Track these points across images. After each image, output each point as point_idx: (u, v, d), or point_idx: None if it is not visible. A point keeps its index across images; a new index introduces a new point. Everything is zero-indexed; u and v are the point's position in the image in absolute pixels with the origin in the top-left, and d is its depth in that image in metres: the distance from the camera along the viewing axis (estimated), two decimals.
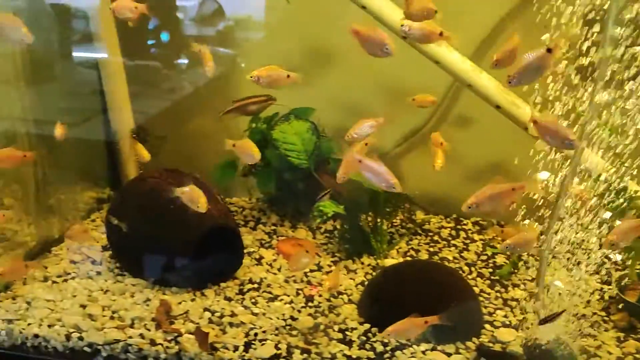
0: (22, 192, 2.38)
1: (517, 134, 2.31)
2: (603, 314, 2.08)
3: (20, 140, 2.26)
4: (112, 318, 2.06)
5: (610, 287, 2.07)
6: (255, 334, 1.99)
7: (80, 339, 1.96)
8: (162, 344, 1.94)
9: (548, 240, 1.79)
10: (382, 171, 1.69)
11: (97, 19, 2.47)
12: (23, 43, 1.68)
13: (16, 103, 2.24)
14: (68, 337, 1.97)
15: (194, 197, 1.88)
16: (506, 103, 2.35)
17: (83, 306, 2.11)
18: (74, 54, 2.70)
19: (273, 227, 2.66)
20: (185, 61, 2.91)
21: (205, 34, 2.84)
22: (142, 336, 1.97)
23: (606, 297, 2.08)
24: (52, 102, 2.50)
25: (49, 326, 2.01)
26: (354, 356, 1.88)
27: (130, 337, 1.96)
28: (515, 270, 2.30)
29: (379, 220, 2.45)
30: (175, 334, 1.97)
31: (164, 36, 2.88)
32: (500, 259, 2.42)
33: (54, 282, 2.24)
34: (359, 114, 2.71)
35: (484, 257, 2.44)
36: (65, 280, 2.25)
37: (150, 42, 2.84)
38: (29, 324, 2.03)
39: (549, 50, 1.47)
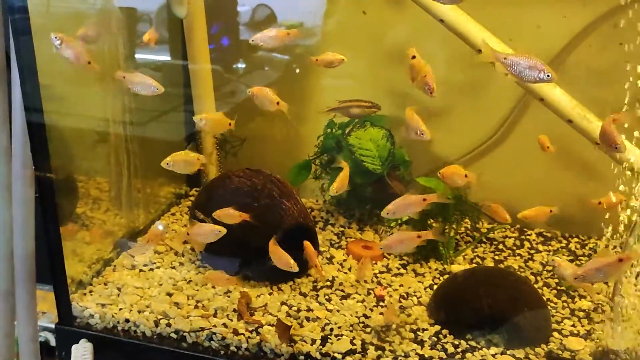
0: (110, 185, 2.56)
1: (584, 146, 2.36)
2: None
3: (117, 138, 2.44)
4: (196, 307, 2.20)
5: None
6: (331, 329, 2.09)
7: (168, 325, 2.11)
8: (244, 334, 2.06)
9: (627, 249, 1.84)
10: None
11: (187, 24, 2.62)
12: (155, 93, 1.96)
13: (115, 103, 2.42)
14: (157, 323, 2.12)
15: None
16: (578, 117, 2.39)
17: (169, 294, 2.25)
18: (153, 57, 2.88)
19: (341, 229, 2.76)
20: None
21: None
22: (225, 325, 2.10)
23: None
24: (139, 103, 2.67)
25: (139, 312, 2.17)
26: (426, 355, 1.97)
27: (214, 326, 2.09)
28: None
29: (446, 227, 2.53)
30: (257, 325, 2.10)
31: (225, 41, 3.02)
32: None
33: (141, 270, 2.40)
34: (429, 123, 2.83)
35: (550, 268, 2.49)
36: (152, 270, 2.40)
37: (224, 44, 2.99)
38: (120, 309, 2.18)
39: (620, 260, 1.58)
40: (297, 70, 3.00)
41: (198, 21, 2.61)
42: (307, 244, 2.16)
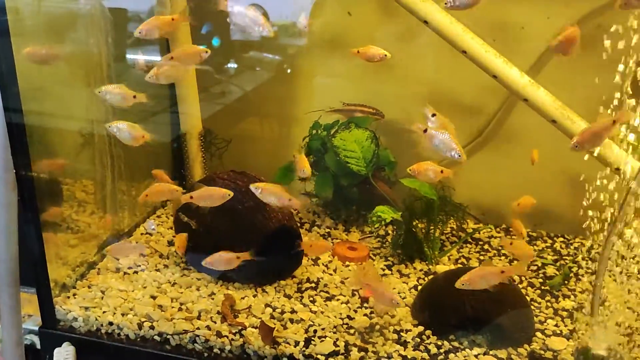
0: (95, 187, 2.55)
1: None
2: None
3: (101, 140, 2.43)
4: (180, 309, 2.19)
5: None
6: (315, 331, 2.09)
7: (152, 327, 2.10)
8: (227, 336, 2.06)
9: (607, 250, 1.85)
10: (448, 140, 1.75)
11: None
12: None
13: (97, 105, 2.41)
14: (140, 325, 2.12)
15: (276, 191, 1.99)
16: (562, 118, 2.40)
17: (153, 297, 2.25)
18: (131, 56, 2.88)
19: (327, 230, 2.76)
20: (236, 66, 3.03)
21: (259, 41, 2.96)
22: (208, 328, 2.10)
23: None
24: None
25: (123, 314, 2.16)
26: (409, 356, 1.97)
27: (197, 329, 2.09)
28: (566, 282, 2.36)
29: (431, 227, 2.53)
30: (240, 327, 2.09)
31: (215, 41, 3.01)
32: (550, 270, 2.48)
33: (125, 273, 2.39)
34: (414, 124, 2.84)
35: (534, 267, 2.50)
36: (136, 272, 2.39)
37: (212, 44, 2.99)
38: (103, 312, 2.18)
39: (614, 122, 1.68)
40: (279, 70, 3.00)
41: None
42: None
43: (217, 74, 2.99)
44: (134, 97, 1.98)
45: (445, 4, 1.88)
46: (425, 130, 1.71)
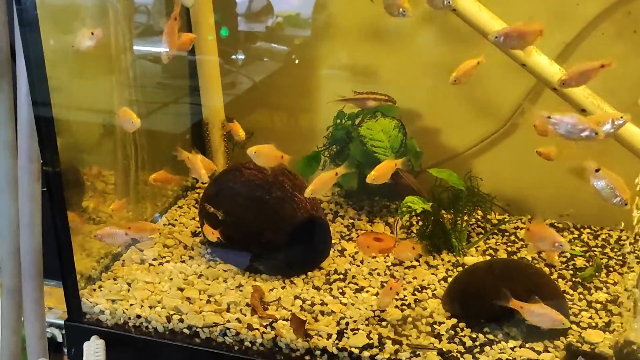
0: (117, 177, 2.51)
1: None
2: None
3: (123, 131, 2.38)
4: (208, 302, 2.16)
5: None
6: (347, 323, 2.06)
7: (181, 320, 2.07)
8: (258, 329, 2.03)
9: None
10: (617, 184, 1.66)
11: (194, 13, 2.57)
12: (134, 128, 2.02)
13: (120, 95, 2.37)
14: (169, 318, 2.08)
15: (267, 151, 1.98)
16: (592, 107, 2.36)
17: (180, 289, 2.21)
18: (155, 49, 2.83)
19: (351, 221, 2.73)
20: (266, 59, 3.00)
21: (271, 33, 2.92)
22: (238, 320, 2.06)
23: None
24: (145, 95, 2.62)
25: (150, 307, 2.13)
26: (444, 349, 1.95)
27: (227, 321, 2.06)
28: (597, 274, 2.33)
29: (459, 218, 2.50)
30: (271, 320, 2.06)
31: (224, 32, 2.97)
32: (580, 262, 2.45)
33: (150, 264, 2.36)
34: (438, 114, 2.81)
35: (563, 259, 2.47)
36: (161, 264, 2.36)
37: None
38: (131, 305, 2.14)
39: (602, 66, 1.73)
40: (297, 61, 2.96)
41: (205, 10, 2.55)
42: None
43: (228, 64, 2.95)
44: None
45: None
46: (597, 170, 1.67)
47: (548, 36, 2.57)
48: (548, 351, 1.94)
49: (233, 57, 2.95)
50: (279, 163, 1.99)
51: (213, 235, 2.21)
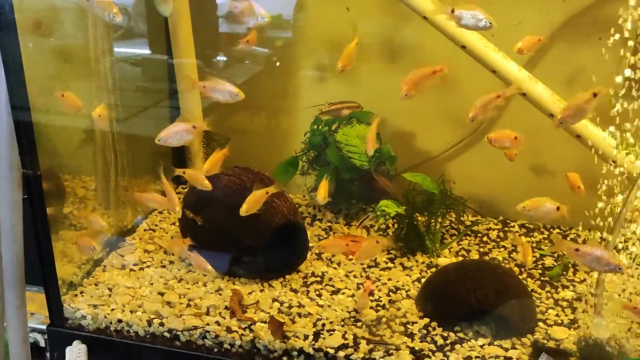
0: (98, 183, 2.55)
1: (562, 138, 2.42)
2: None
3: (103, 137, 2.42)
4: (188, 306, 2.21)
5: None
6: (323, 325, 2.13)
7: (161, 324, 2.12)
8: (237, 332, 2.09)
9: (612, 243, 1.90)
10: (603, 255, 1.73)
11: (172, 22, 2.61)
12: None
13: (99, 100, 2.41)
14: (150, 322, 2.13)
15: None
16: (559, 111, 2.45)
17: (161, 294, 2.26)
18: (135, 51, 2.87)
19: (329, 224, 2.80)
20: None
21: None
22: (218, 323, 2.12)
23: None
24: (123, 99, 2.65)
25: (131, 312, 2.18)
26: (416, 348, 2.02)
27: (207, 324, 2.11)
28: (565, 273, 2.42)
29: (432, 220, 2.58)
30: (249, 322, 2.12)
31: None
32: (549, 261, 2.54)
33: (131, 270, 2.40)
34: (412, 120, 2.88)
35: (533, 259, 2.55)
36: (142, 269, 2.40)
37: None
38: (112, 309, 2.19)
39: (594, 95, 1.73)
40: (278, 64, 3.01)
41: (183, 18, 2.60)
42: None
43: (207, 68, 2.99)
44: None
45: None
46: (577, 250, 1.75)
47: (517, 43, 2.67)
48: (515, 348, 2.03)
49: (214, 60, 3.00)
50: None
51: (184, 244, 2.24)
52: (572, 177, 2.29)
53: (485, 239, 2.72)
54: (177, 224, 2.60)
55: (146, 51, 2.97)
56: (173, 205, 2.14)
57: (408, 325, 2.13)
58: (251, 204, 2.04)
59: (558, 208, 1.98)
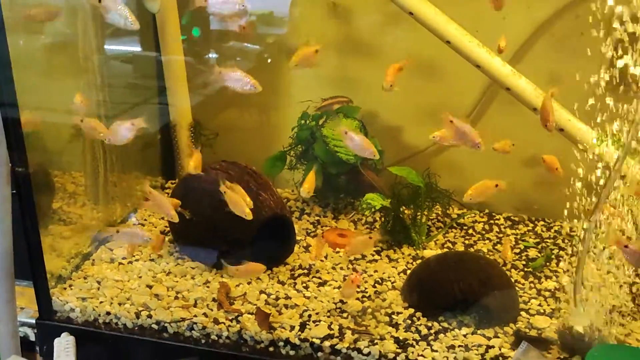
0: (87, 179, 2.57)
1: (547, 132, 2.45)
2: (632, 305, 2.23)
3: None
4: (176, 298, 2.24)
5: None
6: (309, 316, 2.16)
7: (149, 316, 2.15)
8: (224, 323, 2.12)
9: (589, 233, 1.93)
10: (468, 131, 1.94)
11: (159, 19, 2.63)
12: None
13: (88, 96, 2.43)
14: (138, 314, 2.16)
15: (238, 202, 2.06)
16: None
17: (149, 286, 2.29)
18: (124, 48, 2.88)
19: (317, 218, 2.83)
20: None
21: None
22: (205, 315, 2.15)
23: (634, 289, 2.23)
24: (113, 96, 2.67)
25: (120, 304, 2.20)
26: (401, 337, 2.05)
27: (195, 316, 2.14)
28: (548, 263, 2.46)
29: (418, 213, 2.61)
30: (236, 314, 2.15)
31: (195, 32, 3.03)
32: (532, 252, 2.58)
33: (120, 263, 2.43)
34: (398, 114, 2.91)
35: (517, 250, 2.59)
36: (130, 262, 2.43)
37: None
38: (100, 302, 2.21)
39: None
40: (269, 60, 3.03)
41: (170, 15, 2.63)
42: None
43: (198, 65, 3.01)
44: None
45: None
46: (626, 247, 1.77)
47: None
48: (498, 337, 2.06)
49: (205, 57, 3.02)
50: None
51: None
52: (549, 159, 2.34)
53: (470, 231, 2.76)
54: (166, 218, 2.62)
55: (135, 48, 2.99)
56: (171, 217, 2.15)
57: (393, 316, 2.17)
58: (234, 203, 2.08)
59: (497, 185, 2.13)
